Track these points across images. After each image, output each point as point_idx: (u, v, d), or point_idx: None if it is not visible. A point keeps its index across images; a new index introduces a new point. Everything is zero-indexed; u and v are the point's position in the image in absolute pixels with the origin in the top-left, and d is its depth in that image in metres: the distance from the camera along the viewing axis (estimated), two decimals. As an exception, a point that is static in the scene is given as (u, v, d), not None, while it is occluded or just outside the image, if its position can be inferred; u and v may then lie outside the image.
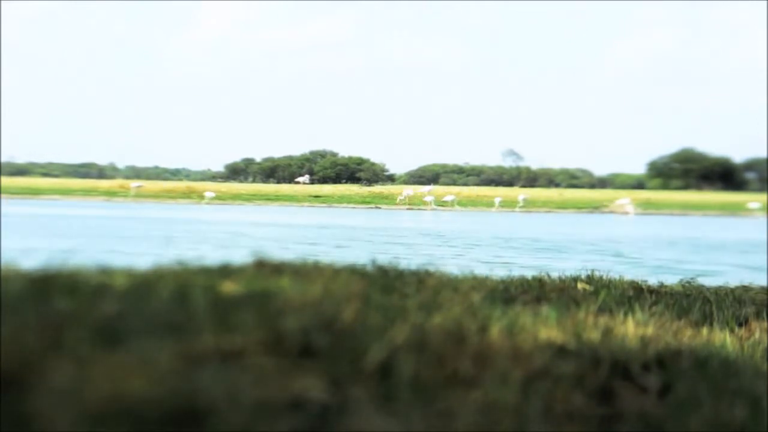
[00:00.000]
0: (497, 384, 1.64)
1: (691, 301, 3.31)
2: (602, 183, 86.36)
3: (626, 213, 44.09)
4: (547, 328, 2.14)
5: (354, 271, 2.79)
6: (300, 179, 68.00)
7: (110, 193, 48.42)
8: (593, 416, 1.66)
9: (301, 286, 2.22)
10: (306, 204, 46.55)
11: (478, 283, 3.08)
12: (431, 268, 3.05)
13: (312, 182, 69.89)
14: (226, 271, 2.54)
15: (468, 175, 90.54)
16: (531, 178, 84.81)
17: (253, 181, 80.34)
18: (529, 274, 3.71)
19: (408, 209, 43.36)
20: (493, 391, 1.61)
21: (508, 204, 44.70)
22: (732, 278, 4.34)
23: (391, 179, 79.99)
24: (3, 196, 39.31)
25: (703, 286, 4.07)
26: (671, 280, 4.23)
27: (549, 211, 44.53)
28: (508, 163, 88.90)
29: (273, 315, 1.81)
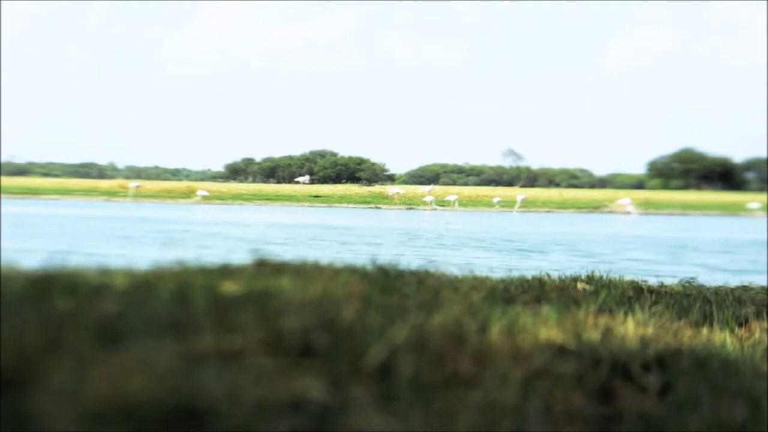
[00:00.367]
0: (497, 384, 1.64)
1: (691, 301, 3.31)
2: (602, 183, 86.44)
3: (628, 213, 44.08)
4: (547, 328, 2.14)
5: (354, 271, 2.80)
6: (300, 179, 68.04)
7: (110, 193, 48.42)
8: (593, 416, 1.66)
9: (301, 286, 2.22)
10: (306, 204, 46.55)
11: (478, 283, 3.08)
12: (431, 268, 3.05)
13: (312, 182, 69.91)
14: (226, 270, 2.54)
15: (468, 175, 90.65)
16: (531, 178, 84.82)
17: (253, 181, 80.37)
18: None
19: (408, 209, 43.36)
20: (493, 391, 1.61)
21: (510, 204, 44.71)
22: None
23: (391, 179, 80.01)
24: (3, 196, 39.32)
25: (703, 286, 4.07)
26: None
27: (549, 211, 44.53)
28: (508, 163, 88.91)
29: (273, 315, 1.81)
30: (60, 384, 1.36)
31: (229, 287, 2.16)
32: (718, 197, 55.99)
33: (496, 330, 1.99)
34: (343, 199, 49.12)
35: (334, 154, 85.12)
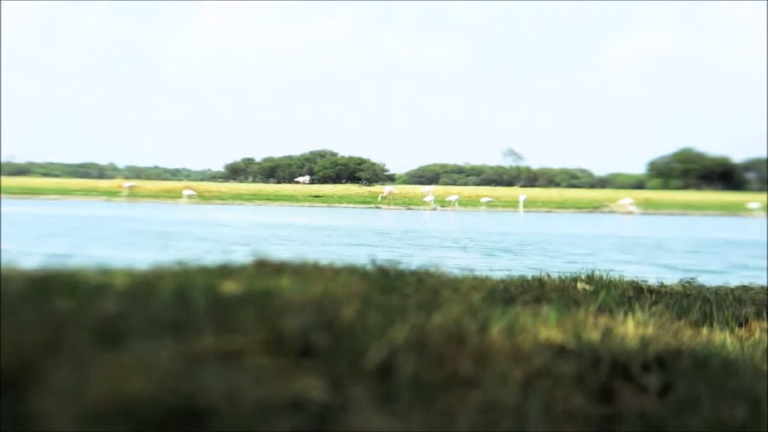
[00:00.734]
0: (497, 384, 1.64)
1: (691, 301, 3.31)
2: (602, 183, 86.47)
3: (630, 213, 44.08)
4: (547, 328, 2.14)
5: (354, 271, 2.79)
6: (300, 179, 68.07)
7: (110, 193, 48.44)
8: (593, 416, 1.66)
9: (301, 286, 2.22)
10: (306, 204, 46.55)
11: (478, 283, 3.08)
12: (431, 268, 3.05)
13: (312, 182, 69.93)
14: (226, 270, 2.54)
15: (468, 175, 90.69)
16: (531, 178, 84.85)
17: (253, 181, 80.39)
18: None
19: (407, 209, 43.34)
20: (493, 391, 1.61)
21: (511, 204, 44.68)
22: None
23: (391, 179, 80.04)
24: (3, 196, 39.33)
25: (703, 286, 4.07)
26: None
27: (549, 211, 44.52)
28: (508, 163, 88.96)
29: (273, 315, 1.81)
30: (60, 384, 1.36)
31: (229, 287, 2.16)
32: (718, 197, 56.01)
33: (496, 330, 1.99)
34: (343, 199, 49.13)
35: (334, 154, 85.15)
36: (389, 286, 2.52)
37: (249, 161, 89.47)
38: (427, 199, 44.51)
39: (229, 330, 1.69)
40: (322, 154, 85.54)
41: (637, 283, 3.79)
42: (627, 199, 47.41)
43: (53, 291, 1.93)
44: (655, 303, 3.16)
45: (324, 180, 75.35)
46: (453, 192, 49.46)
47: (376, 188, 56.74)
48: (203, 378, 1.43)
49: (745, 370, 2.10)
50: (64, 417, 1.27)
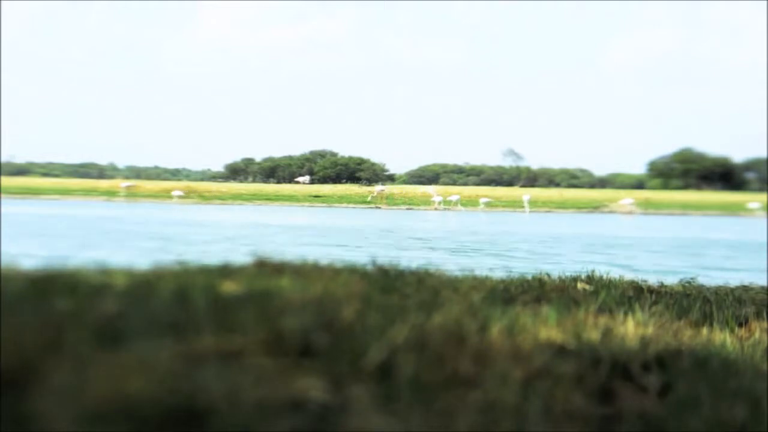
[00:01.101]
0: (497, 384, 1.64)
1: (691, 301, 3.31)
2: (602, 183, 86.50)
3: (630, 213, 44.08)
4: (547, 328, 2.14)
5: (354, 271, 2.79)
6: (300, 179, 68.09)
7: (110, 193, 48.46)
8: (593, 416, 1.66)
9: (301, 286, 2.22)
10: (306, 204, 46.56)
11: (478, 283, 3.08)
12: (431, 268, 3.05)
13: (312, 182, 69.95)
14: (226, 270, 2.54)
15: (468, 175, 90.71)
16: (531, 178, 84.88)
17: (253, 181, 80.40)
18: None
19: (408, 209, 43.36)
20: (493, 391, 1.61)
21: (512, 204, 44.68)
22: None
23: (391, 179, 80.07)
24: (3, 196, 39.34)
25: (703, 286, 4.07)
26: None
27: (549, 211, 44.52)
28: (508, 163, 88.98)
29: (273, 315, 1.81)
30: (60, 384, 1.36)
31: (229, 287, 2.16)
32: (718, 197, 56.01)
33: (496, 330, 1.99)
34: (343, 199, 49.14)
35: (334, 154, 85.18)
36: (389, 286, 2.52)
37: (249, 161, 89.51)
38: (434, 199, 44.60)
39: (229, 330, 1.69)
40: (322, 154, 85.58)
41: (637, 283, 3.79)
42: (627, 199, 47.42)
43: (53, 291, 1.93)
44: (655, 303, 3.16)
45: (324, 180, 75.38)
46: (453, 192, 49.48)
47: (376, 189, 56.83)
48: (203, 378, 1.43)
49: (745, 370, 2.10)
50: (64, 417, 1.27)
